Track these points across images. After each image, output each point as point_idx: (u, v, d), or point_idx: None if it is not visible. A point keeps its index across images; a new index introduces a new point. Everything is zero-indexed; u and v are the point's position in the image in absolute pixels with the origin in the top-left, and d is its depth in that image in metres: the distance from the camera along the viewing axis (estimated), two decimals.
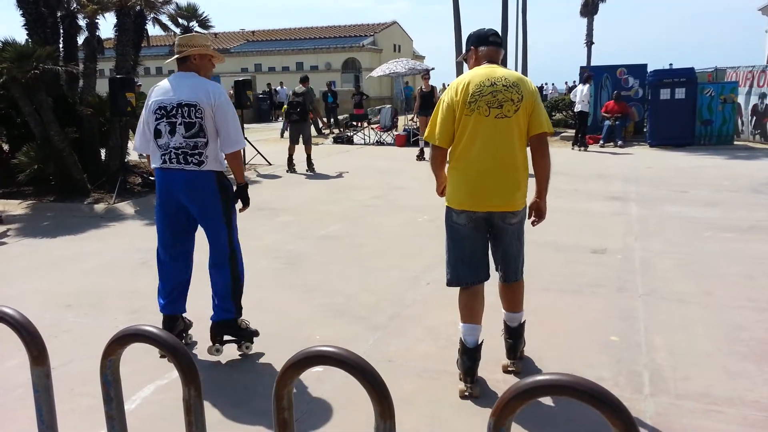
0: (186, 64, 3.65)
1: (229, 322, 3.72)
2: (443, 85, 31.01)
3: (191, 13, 11.13)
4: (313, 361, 1.54)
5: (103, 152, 10.06)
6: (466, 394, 3.18)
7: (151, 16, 10.74)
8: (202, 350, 3.81)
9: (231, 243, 3.72)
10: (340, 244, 6.40)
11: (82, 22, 10.42)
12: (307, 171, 11.44)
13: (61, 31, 10.24)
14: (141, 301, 4.74)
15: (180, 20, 11.15)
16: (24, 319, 1.86)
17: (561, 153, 12.10)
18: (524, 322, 3.48)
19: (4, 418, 3.08)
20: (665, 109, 14.07)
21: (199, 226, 3.78)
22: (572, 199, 8.36)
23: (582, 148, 14.09)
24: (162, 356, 3.31)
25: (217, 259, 3.71)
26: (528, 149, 3.19)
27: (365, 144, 16.87)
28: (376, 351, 3.71)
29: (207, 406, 1.66)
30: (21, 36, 9.54)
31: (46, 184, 9.22)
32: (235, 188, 3.74)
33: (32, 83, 8.47)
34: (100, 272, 5.58)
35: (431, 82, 13.52)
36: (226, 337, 3.76)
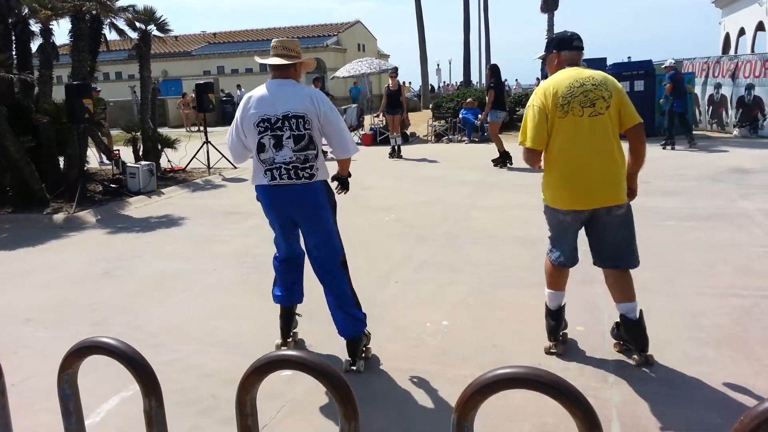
0: (286, 71, 3.44)
1: (363, 333, 3.59)
2: (406, 83, 31.14)
3: (149, 16, 10.91)
4: (275, 365, 1.52)
5: (61, 161, 9.81)
6: (552, 351, 3.55)
7: (108, 20, 10.50)
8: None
9: (342, 247, 3.58)
10: None
11: (35, 28, 10.13)
12: None
13: (13, 38, 9.95)
14: (104, 313, 4.63)
15: (137, 24, 10.92)
16: None
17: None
18: (641, 311, 3.40)
19: None
20: None
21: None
22: (536, 194, 8.45)
23: None
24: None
25: (330, 266, 3.52)
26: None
27: None
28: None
29: (173, 416, 1.63)
30: None
31: (2, 195, 8.95)
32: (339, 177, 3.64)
33: None
34: (61, 284, 5.44)
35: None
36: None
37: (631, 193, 3.43)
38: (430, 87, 30.47)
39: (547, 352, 3.56)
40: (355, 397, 1.39)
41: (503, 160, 11.17)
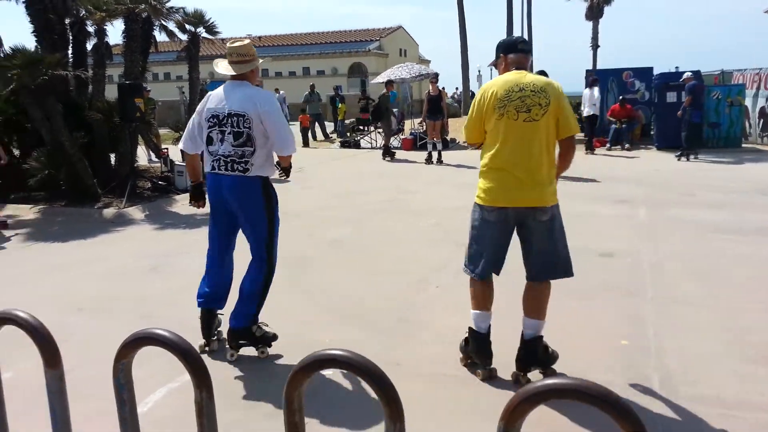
0: (240, 74, 3.73)
1: (247, 328, 3.77)
2: (456, 89, 31.03)
3: (198, 19, 11.17)
4: (324, 364, 1.55)
5: (112, 157, 10.13)
6: (478, 374, 3.41)
7: (159, 22, 10.80)
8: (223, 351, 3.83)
9: (269, 249, 3.82)
10: (346, 248, 6.41)
11: (90, 29, 10.50)
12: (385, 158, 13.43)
13: (70, 37, 10.33)
14: (150, 306, 4.77)
15: (187, 26, 11.20)
16: (37, 322, 1.89)
17: None
18: (541, 338, 3.41)
19: (18, 419, 3.10)
20: (672, 112, 14.01)
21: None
22: (579, 203, 8.35)
23: (588, 152, 14.06)
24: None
25: (255, 263, 3.80)
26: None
27: (372, 148, 16.90)
28: (383, 354, 3.71)
29: (218, 408, 1.68)
30: (30, 43, 9.62)
31: (56, 189, 9.29)
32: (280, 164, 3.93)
33: (42, 89, 8.55)
34: (110, 277, 5.62)
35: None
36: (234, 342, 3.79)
37: None
38: (471, 93, 30.34)
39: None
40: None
41: None
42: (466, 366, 3.58)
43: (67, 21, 10.19)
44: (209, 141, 3.72)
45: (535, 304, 3.40)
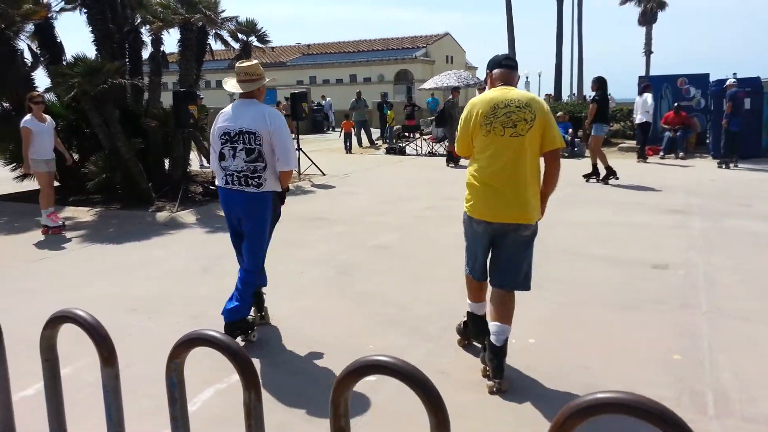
0: (249, 92, 3.95)
1: (244, 320, 4.08)
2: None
3: (250, 28, 11.43)
4: (371, 369, 1.56)
5: (166, 162, 10.44)
6: (495, 390, 3.36)
7: (213, 31, 11.09)
8: (264, 352, 3.89)
9: (262, 251, 4.13)
10: (392, 255, 6.43)
11: (147, 38, 10.88)
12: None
13: (127, 46, 10.72)
14: (201, 307, 4.89)
15: (239, 35, 11.47)
16: (95, 321, 1.96)
17: (621, 165, 11.79)
18: (506, 341, 3.43)
19: (75, 416, 3.22)
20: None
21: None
22: (631, 213, 8.14)
23: (641, 160, 13.70)
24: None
25: (252, 267, 4.07)
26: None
27: (417, 155, 16.90)
28: (428, 362, 3.71)
29: (263, 410, 1.72)
30: (90, 52, 10.02)
31: (113, 193, 9.64)
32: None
33: (101, 96, 8.90)
34: (163, 278, 5.79)
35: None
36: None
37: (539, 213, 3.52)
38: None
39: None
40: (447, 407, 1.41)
41: (606, 175, 10.81)
42: (463, 347, 3.95)
43: (125, 30, 10.57)
44: (221, 157, 3.94)
45: (504, 310, 3.46)
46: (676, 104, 14.97)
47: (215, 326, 4.20)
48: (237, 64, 4.01)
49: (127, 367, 3.70)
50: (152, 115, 9.94)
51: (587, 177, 11.09)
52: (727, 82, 13.06)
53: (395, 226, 7.81)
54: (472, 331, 3.85)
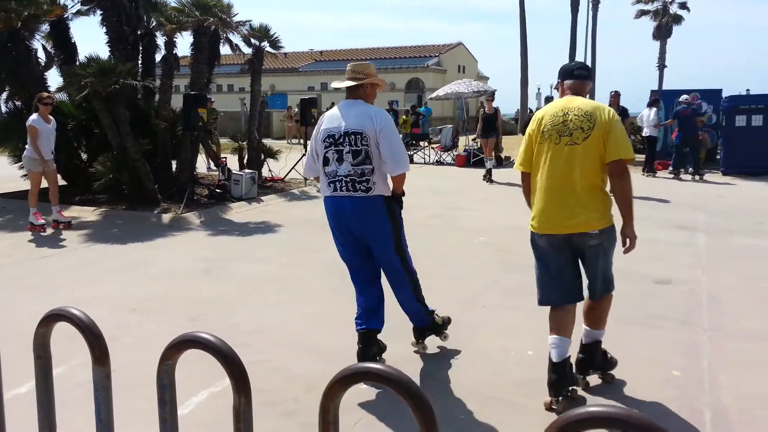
0: (356, 92, 3.72)
1: (426, 327, 4.01)
2: (531, 110, 30.71)
3: (263, 33, 11.48)
4: (360, 377, 1.55)
5: (173, 164, 10.49)
6: (553, 407, 3.24)
7: (225, 36, 11.15)
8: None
9: (405, 264, 3.82)
10: None
11: (160, 41, 10.96)
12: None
13: (141, 48, 10.80)
14: (201, 309, 4.89)
15: (252, 40, 11.52)
16: (89, 320, 1.96)
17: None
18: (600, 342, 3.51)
19: (65, 414, 3.22)
20: (740, 136, 13.48)
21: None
22: (637, 227, 8.07)
23: (650, 174, 13.63)
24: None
25: (395, 282, 3.83)
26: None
27: (425, 163, 16.90)
28: (425, 372, 3.69)
29: (257, 415, 1.70)
30: (103, 52, 10.11)
31: (119, 193, 9.69)
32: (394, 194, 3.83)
33: (112, 97, 8.97)
34: (164, 279, 5.80)
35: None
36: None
37: (623, 240, 3.39)
38: (529, 111, 30.02)
39: (548, 408, 3.25)
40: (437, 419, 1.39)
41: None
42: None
43: (138, 32, 10.66)
44: (326, 162, 3.65)
45: (593, 316, 3.47)
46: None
47: (214, 329, 4.19)
48: (348, 65, 3.81)
49: (122, 367, 3.70)
50: (162, 117, 10.00)
51: None
52: (680, 98, 13.47)
53: None
54: (548, 379, 3.29)
